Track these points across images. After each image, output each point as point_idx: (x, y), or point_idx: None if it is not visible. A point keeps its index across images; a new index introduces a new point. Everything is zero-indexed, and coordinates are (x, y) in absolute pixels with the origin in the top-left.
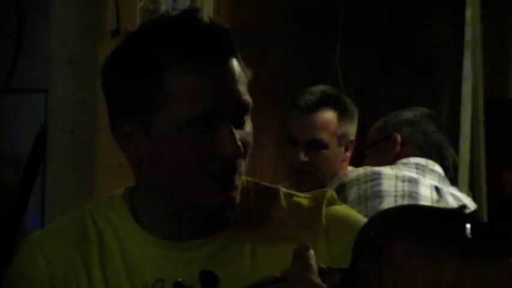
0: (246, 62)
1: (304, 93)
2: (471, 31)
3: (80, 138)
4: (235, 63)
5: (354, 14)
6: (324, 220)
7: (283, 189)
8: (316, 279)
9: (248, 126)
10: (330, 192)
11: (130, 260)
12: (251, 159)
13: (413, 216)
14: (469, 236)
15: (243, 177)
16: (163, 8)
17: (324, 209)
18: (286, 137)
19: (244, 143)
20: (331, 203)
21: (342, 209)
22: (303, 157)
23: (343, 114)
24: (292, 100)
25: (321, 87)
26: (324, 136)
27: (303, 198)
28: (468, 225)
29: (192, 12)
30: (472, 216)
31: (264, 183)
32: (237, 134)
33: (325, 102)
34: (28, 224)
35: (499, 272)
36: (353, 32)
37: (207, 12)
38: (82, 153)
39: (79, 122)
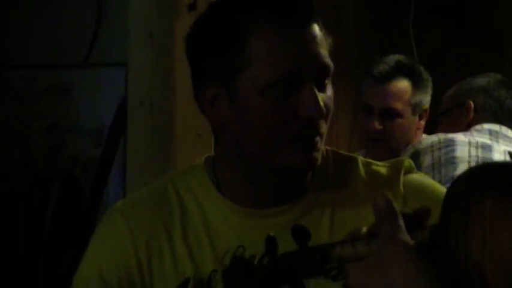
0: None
1: (379, 63)
2: None
3: (159, 111)
4: (316, 27)
5: None
6: (402, 188)
7: (361, 158)
8: (406, 237)
9: (329, 90)
10: (408, 161)
11: (211, 227)
12: (327, 130)
13: (504, 173)
14: None
15: (323, 146)
16: None
17: (401, 178)
18: (361, 105)
19: (326, 106)
20: (409, 171)
21: (419, 177)
22: (377, 125)
23: (417, 84)
24: (366, 69)
25: (395, 57)
26: (398, 105)
27: (381, 167)
28: None
29: None
30: None
31: (342, 152)
32: (319, 96)
33: (399, 71)
34: (110, 196)
35: None
36: (425, 2)
37: None
38: (161, 125)
39: (158, 95)
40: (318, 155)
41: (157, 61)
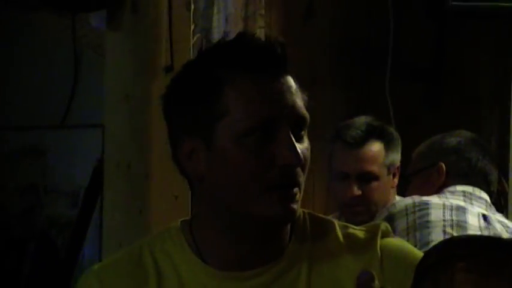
0: None
1: (349, 127)
2: None
3: (136, 172)
4: (290, 78)
5: (402, 49)
6: (379, 252)
7: (337, 221)
8: None
9: (305, 142)
10: (384, 225)
11: None
12: (304, 190)
13: (471, 246)
14: None
15: (300, 209)
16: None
17: (378, 241)
18: (334, 172)
19: (304, 155)
20: (386, 235)
21: (396, 241)
22: (356, 191)
23: (389, 144)
24: (336, 134)
25: (363, 119)
26: (375, 168)
27: (358, 231)
28: None
29: (247, 34)
30: None
31: (318, 214)
32: (296, 144)
33: (371, 134)
34: (86, 257)
35: None
36: (401, 67)
37: None
38: (138, 187)
39: (134, 156)
40: (297, 206)
41: (133, 123)
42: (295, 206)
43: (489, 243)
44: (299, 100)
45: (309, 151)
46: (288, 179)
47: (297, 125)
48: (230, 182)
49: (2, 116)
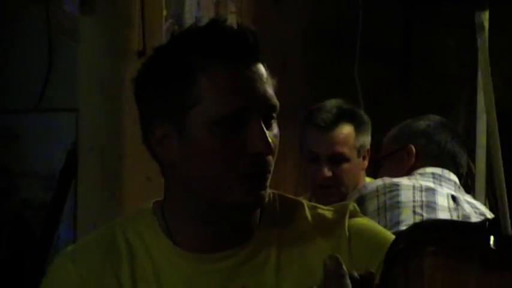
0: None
1: (320, 110)
2: (483, 48)
3: (109, 155)
4: (261, 66)
5: (371, 31)
6: (346, 232)
7: (307, 202)
8: None
9: (275, 129)
10: (352, 205)
11: (160, 273)
12: (274, 171)
13: (440, 230)
14: (493, 247)
15: (269, 191)
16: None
17: (346, 221)
18: (306, 153)
19: (273, 143)
20: (353, 215)
21: (364, 221)
22: (326, 172)
23: (359, 127)
24: (308, 117)
25: (334, 102)
26: (345, 150)
27: (326, 211)
28: (492, 238)
29: (219, 21)
30: (497, 228)
31: (288, 195)
32: (267, 132)
33: (341, 117)
34: (61, 238)
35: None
36: (370, 49)
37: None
38: (111, 169)
39: (108, 139)
40: (266, 193)
41: (106, 106)
42: (264, 193)
43: (457, 227)
44: (270, 88)
45: (278, 138)
46: (259, 167)
47: (267, 113)
48: (202, 170)
49: None
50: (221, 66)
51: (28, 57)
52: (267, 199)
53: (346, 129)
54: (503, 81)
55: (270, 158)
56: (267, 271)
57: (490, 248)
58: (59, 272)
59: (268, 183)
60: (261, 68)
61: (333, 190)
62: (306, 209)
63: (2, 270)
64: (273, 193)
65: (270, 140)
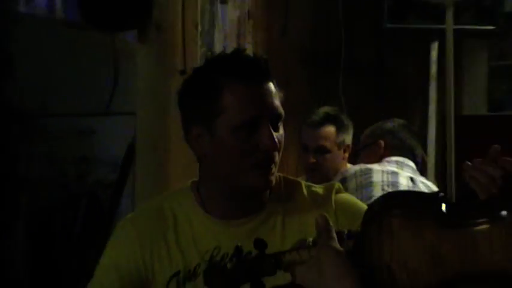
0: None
1: (311, 114)
2: (435, 67)
3: (159, 148)
4: (271, 84)
5: (353, 56)
6: (333, 205)
7: (304, 182)
8: (336, 244)
9: (281, 130)
10: (338, 184)
11: (196, 233)
12: (281, 158)
13: (407, 198)
14: (445, 211)
15: (276, 171)
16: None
17: (333, 197)
18: (300, 145)
19: (279, 141)
20: (338, 192)
21: (346, 196)
22: (311, 159)
23: (340, 128)
24: (304, 119)
25: (324, 109)
26: (327, 144)
27: (318, 188)
28: (444, 205)
29: (240, 50)
30: (445, 198)
31: (290, 177)
32: (274, 134)
33: (326, 120)
34: (123, 208)
35: (465, 236)
36: (352, 69)
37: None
38: (160, 158)
39: (158, 136)
40: (273, 178)
41: (157, 111)
42: (272, 178)
43: (416, 197)
44: (277, 101)
45: (283, 136)
46: (268, 160)
47: (275, 119)
48: (226, 161)
49: (65, 106)
50: (240, 85)
51: (99, 75)
52: (273, 182)
53: (329, 129)
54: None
55: (275, 153)
56: (274, 233)
57: (442, 211)
58: (121, 231)
59: (274, 171)
60: (271, 86)
61: (317, 173)
62: (303, 187)
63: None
64: (279, 175)
65: (276, 140)
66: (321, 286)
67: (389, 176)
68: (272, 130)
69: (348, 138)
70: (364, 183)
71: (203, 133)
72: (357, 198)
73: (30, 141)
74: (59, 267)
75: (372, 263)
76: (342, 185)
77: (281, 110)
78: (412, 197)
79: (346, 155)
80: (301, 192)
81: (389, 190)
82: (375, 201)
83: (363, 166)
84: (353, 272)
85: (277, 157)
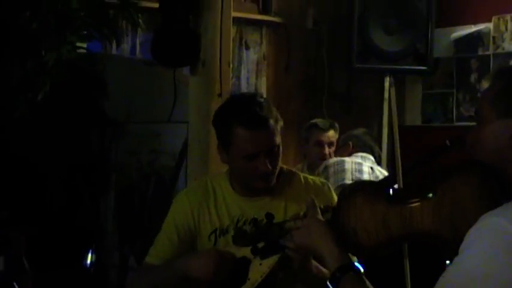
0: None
1: (320, 123)
2: (387, 94)
3: (203, 146)
4: (271, 125)
5: (332, 84)
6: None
7: (301, 173)
8: (320, 216)
9: (277, 155)
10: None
11: (228, 204)
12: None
13: (365, 185)
14: (391, 193)
15: (280, 166)
16: (242, 81)
17: (329, 194)
18: (313, 141)
19: (274, 162)
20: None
21: (327, 190)
22: (327, 151)
23: (336, 132)
24: (311, 125)
25: (327, 120)
26: (334, 140)
27: (310, 179)
28: (391, 189)
29: (251, 96)
30: (392, 185)
31: (292, 169)
32: (268, 161)
33: (331, 126)
34: (179, 185)
35: (405, 210)
36: (331, 94)
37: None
38: (204, 153)
39: (203, 138)
40: (272, 182)
41: (202, 121)
42: (270, 183)
43: (372, 184)
44: (273, 136)
45: (278, 158)
46: (265, 177)
47: (271, 149)
48: (237, 173)
49: (142, 116)
50: (245, 129)
51: (165, 96)
52: (273, 183)
53: (334, 132)
54: None
55: (270, 172)
56: (280, 208)
57: (389, 193)
58: (178, 202)
59: (272, 178)
60: (270, 127)
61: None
62: (301, 178)
63: (151, 200)
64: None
65: (269, 166)
66: (311, 243)
67: (356, 165)
68: (268, 158)
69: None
70: (340, 169)
71: (223, 151)
72: (334, 179)
73: (118, 139)
74: (137, 223)
75: (344, 228)
76: (325, 170)
77: (276, 142)
78: (370, 184)
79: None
80: (299, 181)
81: (356, 175)
82: (346, 186)
83: (339, 158)
84: (331, 233)
85: (272, 173)
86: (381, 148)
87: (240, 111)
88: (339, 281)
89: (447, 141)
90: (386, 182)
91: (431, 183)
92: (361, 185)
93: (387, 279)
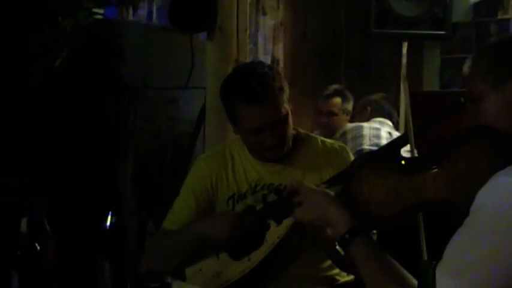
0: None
1: (325, 89)
2: (405, 59)
3: (221, 111)
4: (272, 97)
5: (350, 51)
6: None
7: (319, 137)
8: (329, 191)
9: (284, 123)
10: (344, 145)
11: (246, 169)
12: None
13: (375, 157)
14: (403, 163)
15: (293, 130)
16: (259, 48)
17: (346, 157)
18: (316, 110)
19: (281, 134)
20: (343, 148)
21: (346, 155)
22: (324, 119)
23: (344, 99)
24: (321, 93)
25: (334, 86)
26: (335, 109)
27: (328, 143)
28: (402, 159)
29: (251, 69)
30: (401, 149)
31: (310, 133)
32: (275, 132)
33: (335, 93)
34: (197, 151)
35: (418, 180)
36: (351, 60)
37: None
38: (222, 118)
39: (220, 103)
40: (284, 150)
41: (219, 86)
42: (282, 151)
43: (383, 154)
44: (277, 108)
45: (287, 125)
46: (273, 150)
47: (277, 121)
48: (247, 146)
49: (159, 82)
50: (247, 105)
51: (182, 62)
52: (285, 150)
53: (337, 100)
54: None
55: (278, 144)
56: (296, 173)
57: (401, 164)
58: (197, 166)
59: (282, 149)
60: (271, 101)
61: (326, 129)
62: (319, 141)
63: (169, 164)
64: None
65: (275, 139)
66: (317, 215)
67: (374, 130)
68: (274, 130)
69: (349, 106)
70: (357, 135)
71: (232, 124)
72: (352, 145)
73: (135, 106)
74: (155, 188)
75: (355, 200)
76: (342, 136)
77: (281, 113)
78: (380, 155)
79: (348, 117)
80: (317, 146)
81: (374, 140)
82: (355, 159)
83: (357, 124)
84: (338, 200)
85: (280, 145)
86: (398, 114)
87: (238, 87)
88: (348, 243)
89: (461, 99)
90: (397, 151)
91: (443, 151)
92: (371, 157)
93: (400, 245)
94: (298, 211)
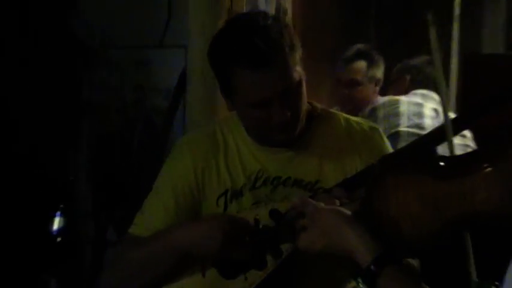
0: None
1: (348, 51)
2: (458, 10)
3: (207, 77)
4: (282, 57)
5: (382, 7)
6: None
7: (342, 114)
8: (346, 210)
9: (298, 93)
10: (376, 126)
11: (242, 157)
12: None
13: (401, 158)
14: (442, 164)
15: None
16: None
17: (376, 141)
18: (334, 79)
19: (294, 107)
20: (374, 129)
21: (379, 139)
22: (343, 90)
23: (371, 63)
24: (340, 56)
25: (357, 46)
26: (358, 77)
27: (360, 124)
28: (442, 161)
29: (251, 20)
30: (437, 154)
31: (328, 109)
32: (285, 105)
33: (358, 55)
34: (174, 132)
35: (463, 186)
36: (383, 12)
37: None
38: (209, 88)
39: (206, 66)
40: (296, 131)
41: (205, 45)
42: (294, 133)
43: (405, 154)
44: (289, 71)
45: (300, 96)
46: (284, 130)
47: (286, 90)
48: (249, 126)
49: (123, 39)
50: (247, 70)
51: (154, 11)
52: (297, 133)
53: (361, 63)
54: None
55: (290, 120)
56: (311, 160)
57: (438, 165)
58: (178, 152)
59: (294, 129)
60: (280, 62)
61: (348, 104)
62: (341, 120)
63: (137, 150)
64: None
65: (287, 113)
66: (328, 243)
67: (415, 106)
68: (284, 102)
69: (379, 72)
70: (392, 112)
71: (227, 99)
72: (384, 126)
73: (91, 71)
74: (117, 184)
75: (380, 218)
76: (372, 114)
77: (293, 79)
78: (409, 155)
79: (377, 88)
80: (339, 126)
81: (415, 120)
82: (376, 165)
83: (391, 97)
84: (356, 221)
85: (292, 121)
86: (448, 83)
87: (236, 46)
88: (375, 276)
89: None
90: (433, 149)
91: (498, 146)
92: (398, 158)
93: (445, 268)
94: (303, 238)
